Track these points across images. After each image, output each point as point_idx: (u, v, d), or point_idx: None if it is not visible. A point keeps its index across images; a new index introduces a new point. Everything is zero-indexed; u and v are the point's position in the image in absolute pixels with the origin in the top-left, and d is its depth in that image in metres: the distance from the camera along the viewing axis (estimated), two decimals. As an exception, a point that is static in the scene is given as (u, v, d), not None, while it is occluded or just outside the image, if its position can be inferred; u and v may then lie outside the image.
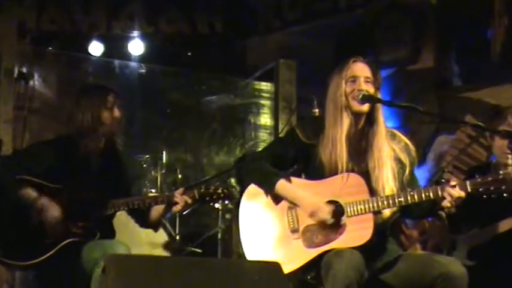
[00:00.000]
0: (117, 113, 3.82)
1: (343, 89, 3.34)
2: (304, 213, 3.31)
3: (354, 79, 3.36)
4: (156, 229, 4.08)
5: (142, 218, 3.96)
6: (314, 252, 3.24)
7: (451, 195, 3.15)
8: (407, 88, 6.97)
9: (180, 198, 3.70)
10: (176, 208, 3.74)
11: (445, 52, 7.02)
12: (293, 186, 3.38)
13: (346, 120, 3.34)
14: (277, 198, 3.39)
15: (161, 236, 5.88)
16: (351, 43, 7.60)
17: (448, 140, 6.49)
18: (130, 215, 3.96)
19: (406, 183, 3.37)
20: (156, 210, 3.89)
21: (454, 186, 3.16)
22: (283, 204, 3.38)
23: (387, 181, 3.28)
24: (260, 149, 4.03)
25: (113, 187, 3.78)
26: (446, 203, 3.18)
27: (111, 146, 3.90)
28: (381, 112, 3.39)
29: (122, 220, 4.06)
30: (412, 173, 3.43)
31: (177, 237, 6.20)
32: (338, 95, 3.35)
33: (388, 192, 3.26)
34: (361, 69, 3.38)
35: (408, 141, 3.45)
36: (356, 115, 3.36)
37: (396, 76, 7.05)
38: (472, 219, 3.93)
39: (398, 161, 3.37)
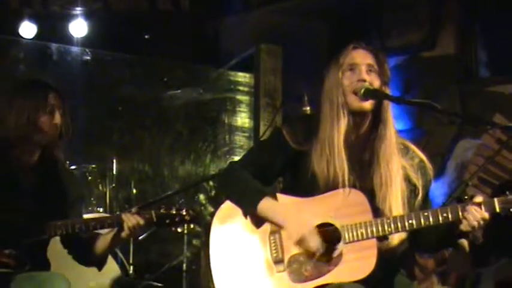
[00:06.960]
0: (57, 118, 3.80)
1: (340, 81, 3.35)
2: (290, 239, 3.31)
3: (353, 67, 3.36)
4: (100, 266, 3.98)
5: (83, 251, 3.88)
6: (303, 288, 3.25)
7: (472, 217, 3.14)
8: (422, 80, 7.01)
9: (131, 218, 3.66)
10: (124, 232, 3.70)
11: (469, 35, 7.07)
12: (277, 204, 3.37)
13: (344, 122, 3.33)
14: (257, 220, 3.37)
15: (110, 266, 5.85)
16: (351, 24, 7.63)
17: (472, 145, 6.53)
18: (66, 247, 3.90)
19: (419, 210, 3.33)
20: (104, 240, 3.83)
21: (478, 204, 3.15)
22: (265, 227, 3.36)
23: (396, 200, 3.28)
24: (239, 157, 4.03)
25: (48, 209, 3.74)
26: (465, 226, 3.17)
27: (49, 158, 3.88)
28: (390, 112, 3.38)
29: (59, 247, 4.03)
30: (426, 197, 3.41)
31: (131, 268, 6.17)
32: (334, 90, 3.35)
33: (396, 214, 3.25)
34: (362, 56, 3.38)
35: (424, 158, 3.43)
36: (357, 115, 3.35)
37: (408, 65, 7.09)
38: (500, 248, 3.95)
39: (409, 182, 3.36)
